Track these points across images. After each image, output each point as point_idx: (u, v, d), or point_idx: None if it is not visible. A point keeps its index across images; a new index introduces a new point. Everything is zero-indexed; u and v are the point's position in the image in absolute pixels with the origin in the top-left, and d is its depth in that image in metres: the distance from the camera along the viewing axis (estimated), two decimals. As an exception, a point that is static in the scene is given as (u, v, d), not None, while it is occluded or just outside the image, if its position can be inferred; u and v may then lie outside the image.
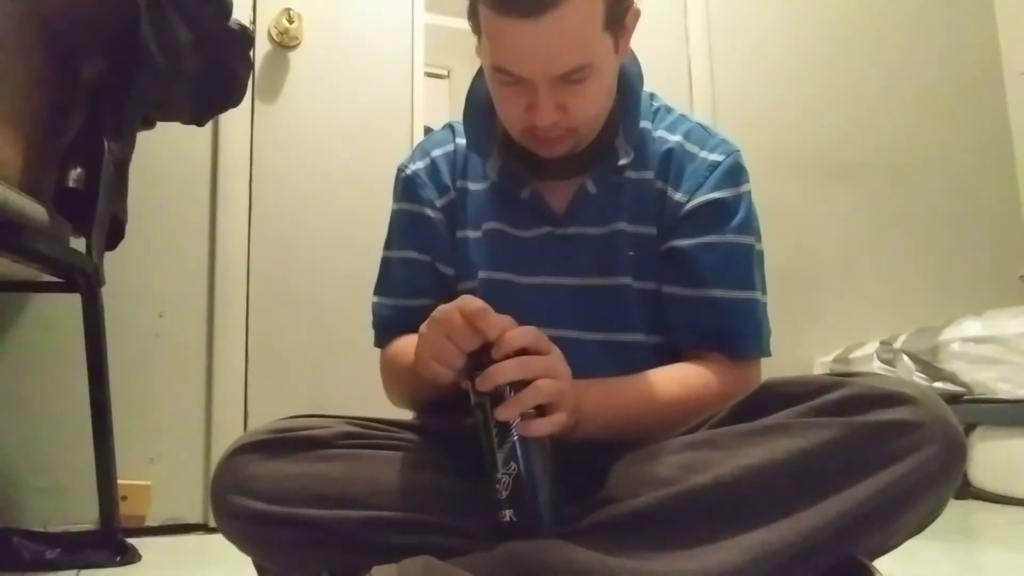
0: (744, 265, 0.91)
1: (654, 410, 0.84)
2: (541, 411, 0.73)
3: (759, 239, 0.94)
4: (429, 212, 0.98)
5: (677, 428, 0.80)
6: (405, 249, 0.99)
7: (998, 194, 2.58)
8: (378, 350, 1.02)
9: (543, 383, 0.71)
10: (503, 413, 0.71)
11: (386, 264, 1.02)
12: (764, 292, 0.93)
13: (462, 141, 0.99)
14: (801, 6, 2.49)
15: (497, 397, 0.72)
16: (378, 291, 1.01)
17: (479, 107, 0.95)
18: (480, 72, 0.94)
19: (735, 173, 0.92)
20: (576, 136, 0.87)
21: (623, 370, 0.87)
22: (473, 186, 0.97)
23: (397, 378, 0.96)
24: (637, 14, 0.87)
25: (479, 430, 0.73)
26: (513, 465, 0.71)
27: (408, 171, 1.00)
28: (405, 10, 2.11)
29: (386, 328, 0.99)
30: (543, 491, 0.72)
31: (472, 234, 0.96)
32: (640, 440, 0.81)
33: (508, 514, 0.72)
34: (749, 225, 0.92)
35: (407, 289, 0.98)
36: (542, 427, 0.72)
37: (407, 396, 0.97)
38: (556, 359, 0.74)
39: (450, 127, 1.03)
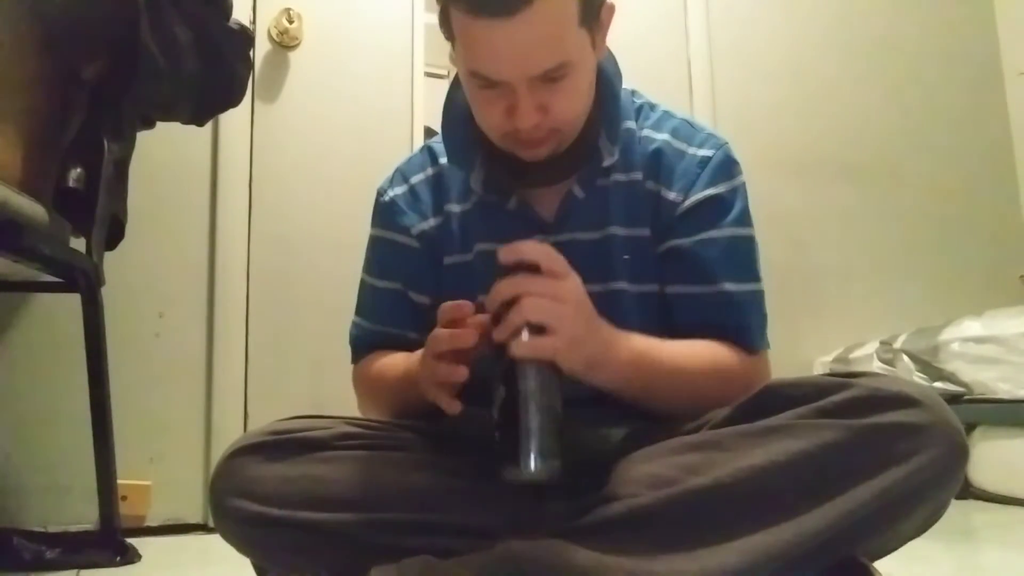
0: (746, 256, 0.91)
1: (682, 374, 0.83)
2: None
3: (754, 235, 0.94)
4: (405, 239, 0.97)
5: (698, 402, 0.81)
6: (379, 277, 1.00)
7: (998, 194, 2.58)
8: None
9: (526, 302, 0.69)
10: (496, 334, 0.71)
11: (363, 287, 1.03)
12: (761, 281, 0.93)
13: (443, 160, 0.98)
14: (801, 6, 2.49)
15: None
16: (356, 311, 1.03)
17: (458, 118, 0.93)
18: (456, 82, 0.93)
19: (727, 166, 0.92)
20: (559, 136, 0.86)
21: None
22: (458, 207, 0.96)
23: (379, 392, 0.97)
24: (612, 9, 0.85)
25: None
26: (502, 388, 0.71)
27: (386, 197, 1.00)
28: (405, 10, 2.12)
29: (360, 347, 1.01)
30: (532, 418, 0.69)
31: (463, 258, 0.95)
32: (657, 406, 0.83)
33: (497, 435, 0.71)
34: (746, 216, 0.91)
35: (380, 316, 0.99)
36: (525, 348, 0.69)
37: (390, 410, 0.96)
38: (561, 284, 0.72)
39: (428, 149, 1.01)
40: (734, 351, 0.87)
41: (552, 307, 0.70)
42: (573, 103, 0.84)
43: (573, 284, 0.73)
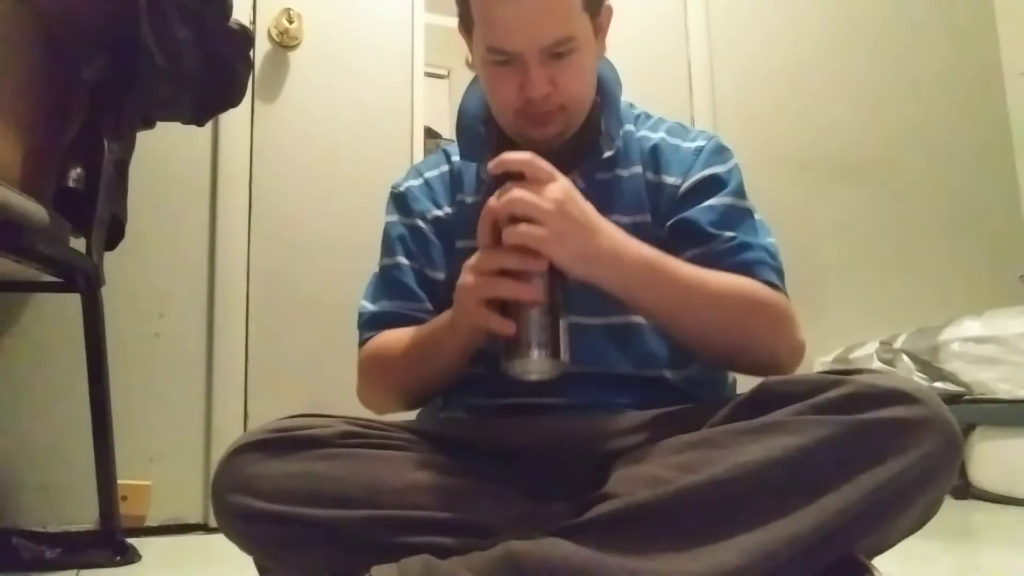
0: (747, 220, 0.94)
1: (706, 291, 0.84)
2: None
3: (755, 211, 0.96)
4: (420, 223, 1.02)
5: (729, 327, 0.84)
6: (393, 256, 1.02)
7: (998, 194, 2.58)
8: None
9: (508, 199, 0.75)
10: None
11: (375, 276, 1.05)
12: (769, 238, 0.95)
13: (456, 159, 1.04)
14: (801, 6, 2.50)
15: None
16: (365, 297, 1.04)
17: (471, 116, 1.01)
18: (470, 86, 1.01)
19: (720, 151, 0.99)
20: (566, 116, 0.92)
21: (629, 353, 0.91)
22: (470, 199, 1.01)
23: (391, 362, 0.96)
24: (610, 12, 0.95)
25: None
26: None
27: (401, 188, 1.06)
28: (405, 10, 2.11)
29: (371, 325, 1.01)
30: (531, 314, 0.74)
31: (474, 243, 0.96)
32: (687, 330, 0.85)
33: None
34: (743, 192, 0.96)
35: (394, 292, 1.00)
36: (514, 235, 0.74)
37: (400, 382, 0.97)
38: (542, 186, 0.76)
39: (443, 150, 1.07)
40: (759, 284, 0.89)
41: (533, 202, 0.74)
42: (578, 80, 0.91)
43: (556, 186, 0.77)
